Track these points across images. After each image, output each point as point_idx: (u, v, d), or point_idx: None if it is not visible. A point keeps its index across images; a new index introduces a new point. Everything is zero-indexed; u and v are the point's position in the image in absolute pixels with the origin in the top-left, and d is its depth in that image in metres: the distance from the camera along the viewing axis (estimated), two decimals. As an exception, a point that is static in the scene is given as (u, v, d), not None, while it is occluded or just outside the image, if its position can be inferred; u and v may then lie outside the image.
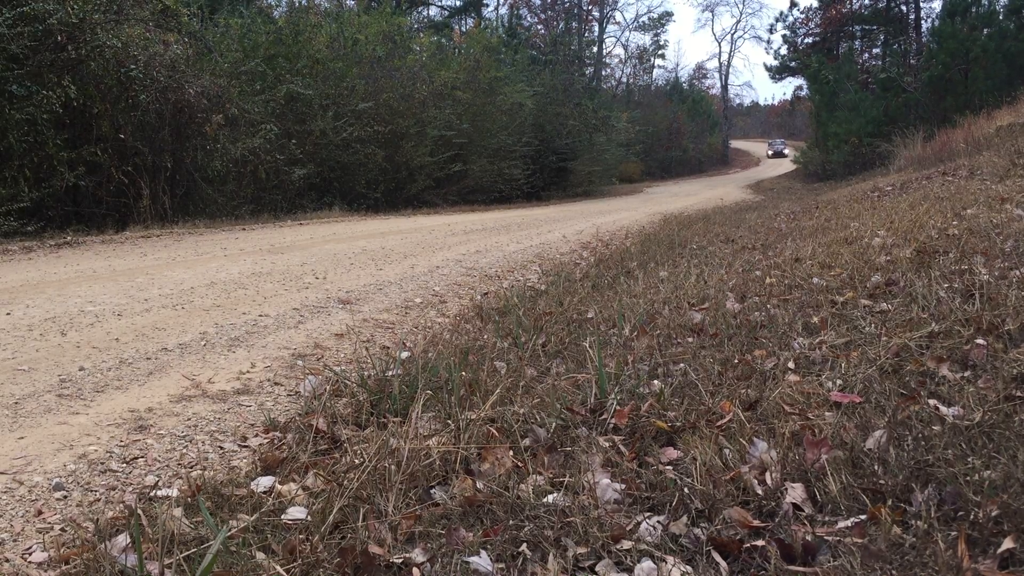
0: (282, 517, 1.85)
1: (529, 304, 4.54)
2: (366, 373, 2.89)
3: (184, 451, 2.46)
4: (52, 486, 2.17)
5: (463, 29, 32.82)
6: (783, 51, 43.20)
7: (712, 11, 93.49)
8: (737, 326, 3.30)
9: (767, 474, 1.84)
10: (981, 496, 1.55)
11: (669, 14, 70.15)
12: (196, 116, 10.65)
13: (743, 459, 1.95)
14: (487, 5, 38.48)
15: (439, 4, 35.79)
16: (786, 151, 53.75)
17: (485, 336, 3.62)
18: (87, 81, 9.32)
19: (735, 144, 63.99)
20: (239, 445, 2.53)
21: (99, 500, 2.10)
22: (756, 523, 1.68)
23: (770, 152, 57.93)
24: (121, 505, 2.04)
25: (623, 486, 1.89)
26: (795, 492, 1.75)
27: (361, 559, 1.61)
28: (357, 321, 4.49)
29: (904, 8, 35.24)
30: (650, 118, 41.17)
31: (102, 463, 2.33)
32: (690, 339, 3.20)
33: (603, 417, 2.34)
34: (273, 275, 6.06)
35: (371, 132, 15.23)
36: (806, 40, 41.26)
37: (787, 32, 42.29)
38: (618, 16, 72.29)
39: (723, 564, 1.57)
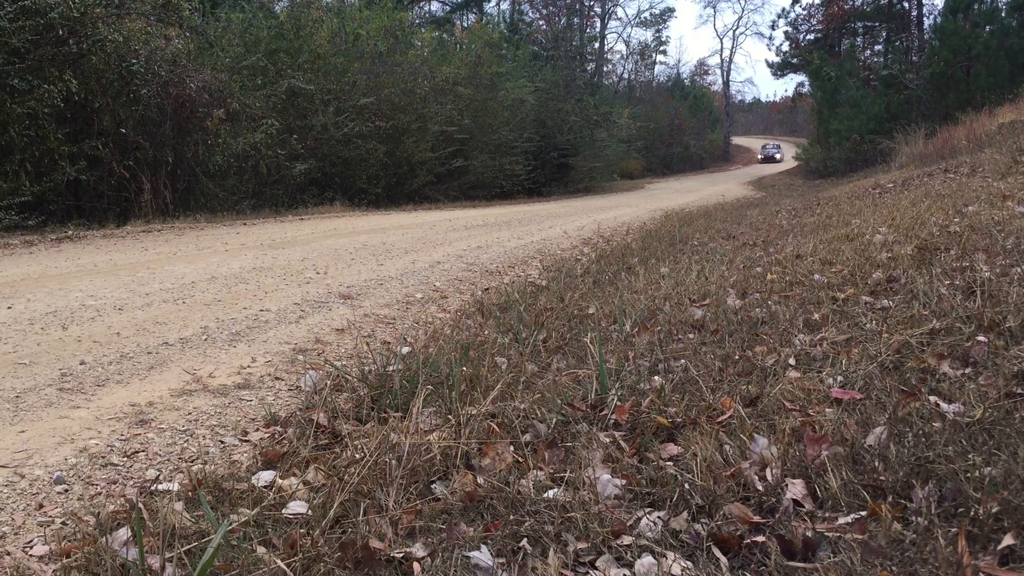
0: (283, 511, 1.85)
1: (530, 300, 4.54)
2: (367, 368, 2.89)
3: (185, 445, 2.46)
4: (53, 480, 2.17)
5: (465, 25, 32.75)
6: (785, 47, 43.17)
7: (714, 7, 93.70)
8: (738, 322, 3.30)
9: (767, 470, 1.84)
10: (981, 493, 1.55)
11: (671, 10, 70.23)
12: (197, 111, 10.64)
13: (744, 455, 1.95)
14: (489, 1, 38.44)
15: (441, -1, 35.74)
16: (779, 155, 49.94)
17: (486, 332, 3.62)
18: (88, 75, 9.30)
19: (736, 141, 63.91)
20: (240, 439, 2.53)
21: (100, 494, 2.10)
22: (756, 519, 1.68)
23: (761, 156, 52.29)
24: (122, 499, 2.04)
25: (623, 482, 1.89)
26: (795, 488, 1.75)
27: (362, 553, 1.61)
28: (358, 316, 4.49)
29: (906, 5, 35.18)
30: (651, 114, 41.10)
31: (103, 457, 2.34)
32: (691, 335, 3.20)
33: (604, 413, 2.34)
34: (274, 270, 6.06)
35: (372, 127, 15.22)
36: (808, 37, 41.20)
37: (789, 28, 42.25)
38: (620, 12, 72.46)
39: (723, 560, 1.58)
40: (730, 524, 1.67)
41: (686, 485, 1.82)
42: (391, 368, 2.84)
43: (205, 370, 3.29)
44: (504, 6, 41.60)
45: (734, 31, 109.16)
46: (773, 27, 73.73)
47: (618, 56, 57.37)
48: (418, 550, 1.66)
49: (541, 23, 44.94)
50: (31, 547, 1.82)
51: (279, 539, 1.70)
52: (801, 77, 42.95)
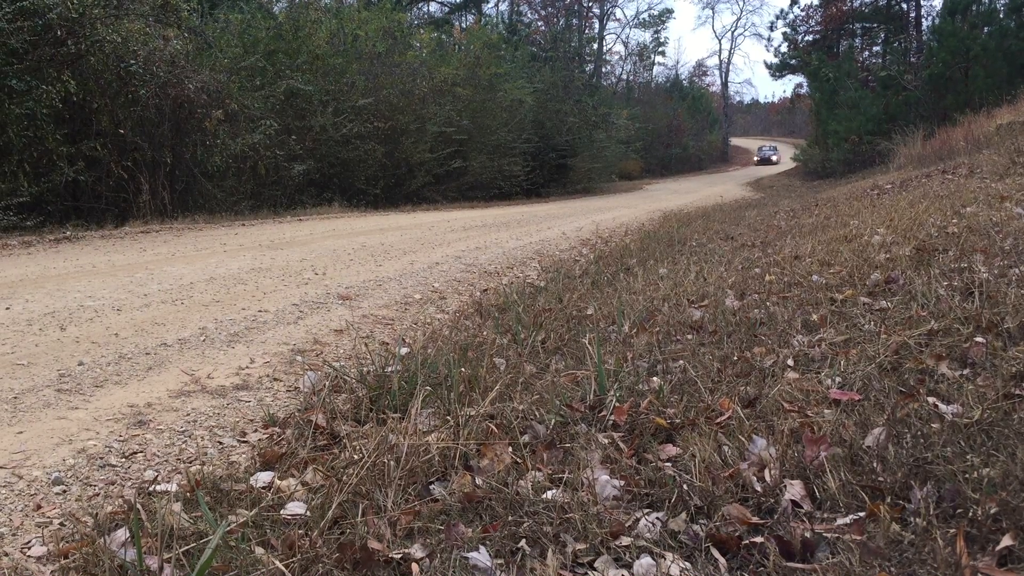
0: (281, 512, 1.85)
1: (528, 301, 4.54)
2: (365, 369, 2.89)
3: (183, 446, 2.46)
4: (51, 480, 2.17)
5: (463, 26, 32.77)
6: (783, 48, 43.16)
7: (712, 8, 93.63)
8: (736, 323, 3.30)
9: (766, 471, 1.84)
10: (980, 494, 1.55)
11: (669, 11, 70.24)
12: (196, 111, 10.63)
13: (742, 456, 1.95)
14: (488, 2, 38.43)
15: (439, 0, 35.74)
16: (775, 157, 49.25)
17: (484, 332, 3.62)
18: (87, 76, 9.30)
19: (735, 142, 63.97)
20: (238, 440, 2.53)
21: (98, 495, 2.10)
22: (755, 520, 1.68)
23: (757, 159, 51.39)
24: (120, 500, 2.04)
25: (622, 483, 1.89)
26: (794, 489, 1.75)
27: (360, 554, 1.61)
28: (356, 317, 4.49)
29: (904, 6, 35.23)
30: (650, 115, 41.13)
31: (101, 458, 2.33)
32: (689, 336, 3.20)
33: (602, 414, 2.34)
34: (272, 271, 6.05)
35: (371, 128, 15.21)
36: (806, 38, 41.21)
37: (788, 29, 42.23)
38: (618, 13, 72.46)
39: (722, 561, 1.58)
40: (729, 525, 1.67)
41: (685, 486, 1.82)
42: (389, 369, 2.84)
43: (203, 371, 3.28)
44: (503, 7, 41.71)
45: (732, 32, 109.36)
46: (771, 28, 73.85)
47: (616, 57, 57.32)
48: (416, 551, 1.66)
49: (540, 24, 44.99)
50: (29, 548, 1.81)
51: (277, 540, 1.70)
52: (800, 78, 43.01)
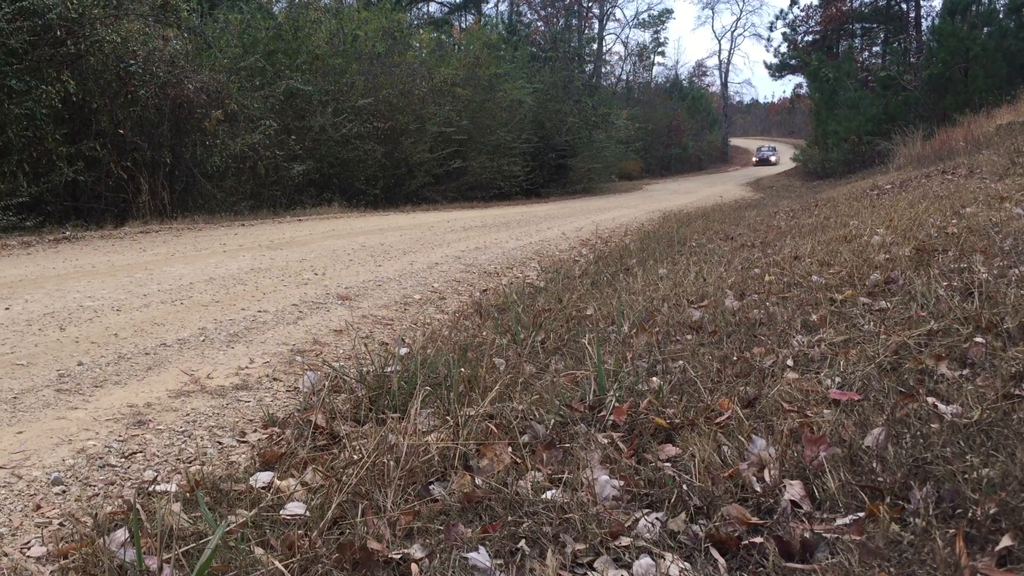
0: (281, 512, 1.85)
1: (528, 301, 4.54)
2: (365, 369, 2.89)
3: (183, 446, 2.46)
4: (51, 480, 2.17)
5: (463, 26, 32.78)
6: (783, 49, 43.16)
7: (712, 8, 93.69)
8: (736, 323, 3.30)
9: (765, 471, 1.84)
10: (979, 494, 1.55)
11: (669, 11, 70.28)
12: (195, 112, 10.63)
13: (742, 456, 1.95)
14: (487, 2, 38.46)
15: (439, 0, 35.73)
16: (773, 158, 48.88)
17: (484, 333, 3.62)
18: (86, 76, 9.30)
19: (735, 142, 63.98)
20: (238, 441, 2.53)
21: (98, 495, 2.10)
22: (754, 520, 1.68)
23: (755, 159, 50.93)
24: (120, 500, 2.04)
25: (622, 483, 1.89)
26: (793, 489, 1.75)
27: (360, 555, 1.61)
28: (356, 317, 4.49)
29: (904, 6, 35.22)
30: (650, 115, 41.14)
31: (101, 458, 2.33)
32: (689, 336, 3.20)
33: (602, 414, 2.34)
34: (272, 271, 6.05)
35: (370, 128, 15.21)
36: (806, 38, 41.20)
37: (787, 30, 42.21)
38: (618, 13, 72.34)
39: (721, 561, 1.58)
40: (728, 525, 1.67)
41: (684, 486, 1.82)
42: (389, 369, 2.84)
43: (203, 371, 3.28)
44: (502, 7, 41.71)
45: (732, 32, 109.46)
46: (771, 28, 73.96)
47: (616, 57, 57.30)
48: (416, 551, 1.66)
49: (539, 24, 44.96)
50: (29, 548, 1.81)
51: (277, 540, 1.70)
52: (799, 78, 43.02)
